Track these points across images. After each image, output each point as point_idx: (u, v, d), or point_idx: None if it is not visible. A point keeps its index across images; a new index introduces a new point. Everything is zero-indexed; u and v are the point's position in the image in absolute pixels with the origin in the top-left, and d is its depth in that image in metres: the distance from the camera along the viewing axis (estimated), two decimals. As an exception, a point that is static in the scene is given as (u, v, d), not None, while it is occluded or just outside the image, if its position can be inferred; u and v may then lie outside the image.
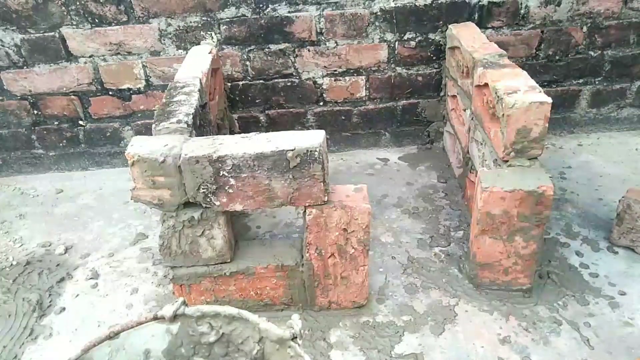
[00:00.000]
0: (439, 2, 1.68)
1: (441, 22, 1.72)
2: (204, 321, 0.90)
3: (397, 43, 1.77)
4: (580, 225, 1.49)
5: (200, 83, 1.36)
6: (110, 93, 1.84)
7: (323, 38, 1.75)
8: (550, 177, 1.12)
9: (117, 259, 1.49)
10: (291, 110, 1.89)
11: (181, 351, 0.91)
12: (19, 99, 1.83)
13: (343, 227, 1.11)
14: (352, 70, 1.82)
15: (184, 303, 0.90)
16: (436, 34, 1.74)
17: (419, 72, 1.83)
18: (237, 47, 1.76)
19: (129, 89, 1.83)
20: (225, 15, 1.71)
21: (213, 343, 0.91)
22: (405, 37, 1.75)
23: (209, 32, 1.73)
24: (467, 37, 1.57)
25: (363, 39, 1.76)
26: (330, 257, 1.15)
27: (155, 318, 0.89)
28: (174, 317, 0.89)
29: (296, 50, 1.77)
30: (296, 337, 0.83)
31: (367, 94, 1.87)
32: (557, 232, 1.46)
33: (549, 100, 1.11)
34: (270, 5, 1.69)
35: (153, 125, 1.16)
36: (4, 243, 1.59)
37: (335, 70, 1.81)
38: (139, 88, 1.83)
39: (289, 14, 1.70)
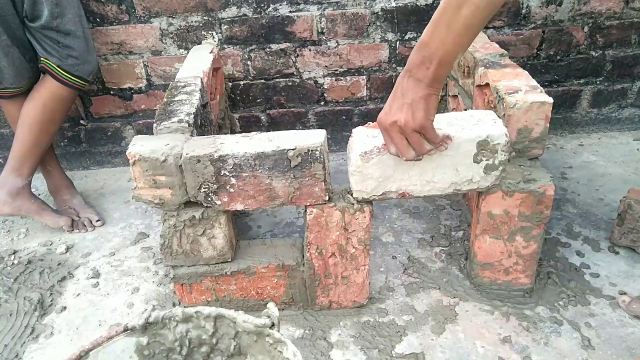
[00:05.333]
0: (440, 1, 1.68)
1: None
2: (177, 329, 0.88)
3: (398, 43, 1.77)
4: (581, 225, 1.49)
5: (202, 82, 1.36)
6: (111, 92, 1.84)
7: (324, 38, 1.75)
8: (551, 177, 1.12)
9: (118, 258, 1.50)
10: (292, 109, 1.90)
11: None
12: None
13: (344, 227, 1.11)
14: (353, 70, 1.82)
15: (154, 309, 0.87)
16: (437, 33, 1.74)
17: (420, 71, 1.82)
18: (238, 46, 1.76)
19: (131, 89, 1.83)
20: (226, 15, 1.71)
21: (189, 350, 0.90)
22: (407, 37, 1.76)
23: (210, 33, 1.73)
24: (468, 37, 1.56)
25: (364, 38, 1.76)
26: (331, 256, 1.15)
27: (126, 329, 0.85)
28: (146, 327, 0.86)
29: (297, 50, 1.77)
30: (274, 325, 0.83)
31: (368, 93, 1.87)
32: (558, 232, 1.46)
33: (550, 100, 1.11)
34: (271, 5, 1.69)
35: (154, 125, 1.16)
36: (6, 242, 1.59)
37: (336, 70, 1.82)
38: (140, 87, 1.83)
39: (290, 14, 1.70)
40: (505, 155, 1.03)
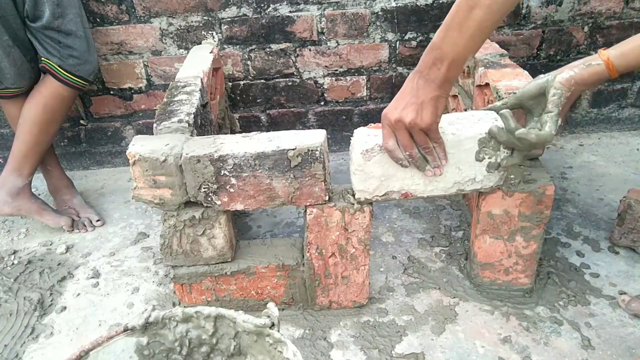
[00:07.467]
0: (440, 1, 1.68)
1: (442, 22, 1.72)
2: (177, 329, 0.88)
3: (398, 43, 1.77)
4: (581, 225, 1.49)
5: (202, 82, 1.36)
6: (111, 92, 1.84)
7: (324, 38, 1.75)
8: (551, 177, 1.12)
9: (118, 258, 1.50)
10: (292, 109, 1.90)
11: None
12: (21, 98, 1.83)
13: (344, 227, 1.11)
14: (353, 70, 1.82)
15: (154, 309, 0.87)
16: (437, 33, 1.74)
17: (420, 71, 1.82)
18: (238, 46, 1.76)
19: (131, 89, 1.84)
20: (226, 15, 1.71)
21: (189, 350, 0.90)
22: (407, 37, 1.75)
23: (210, 33, 1.73)
24: (468, 37, 1.56)
25: (364, 38, 1.76)
26: (331, 256, 1.15)
27: (126, 329, 0.85)
28: (146, 327, 0.86)
29: (297, 50, 1.77)
30: (274, 325, 0.83)
31: (368, 93, 1.87)
32: (558, 232, 1.46)
33: (550, 100, 1.10)
34: (271, 5, 1.69)
35: (154, 125, 1.16)
36: (6, 242, 1.59)
37: (336, 70, 1.82)
38: (140, 87, 1.83)
39: (290, 14, 1.70)
40: (507, 153, 1.03)
